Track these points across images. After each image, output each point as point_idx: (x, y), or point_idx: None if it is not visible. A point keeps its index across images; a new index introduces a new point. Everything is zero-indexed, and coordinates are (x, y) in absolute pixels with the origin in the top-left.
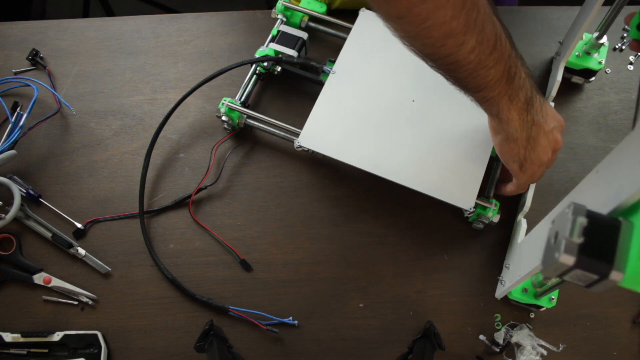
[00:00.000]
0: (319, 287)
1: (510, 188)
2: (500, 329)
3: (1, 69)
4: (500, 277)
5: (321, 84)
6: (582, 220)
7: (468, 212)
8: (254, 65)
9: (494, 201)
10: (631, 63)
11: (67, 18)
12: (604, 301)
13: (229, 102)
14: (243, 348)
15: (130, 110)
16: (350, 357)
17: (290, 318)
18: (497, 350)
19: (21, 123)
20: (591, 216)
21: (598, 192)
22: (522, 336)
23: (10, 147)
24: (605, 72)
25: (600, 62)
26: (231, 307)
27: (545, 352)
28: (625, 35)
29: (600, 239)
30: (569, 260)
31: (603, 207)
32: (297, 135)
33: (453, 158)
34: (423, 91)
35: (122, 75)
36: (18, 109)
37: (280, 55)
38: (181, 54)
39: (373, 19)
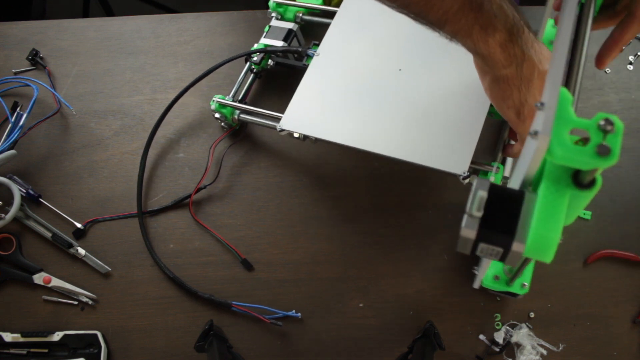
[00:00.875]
0: (319, 287)
1: (517, 148)
2: (500, 329)
3: (1, 69)
4: (474, 268)
5: (304, 68)
6: (482, 194)
7: (462, 178)
8: (248, 63)
9: (495, 164)
10: (631, 63)
11: (67, 18)
12: (604, 301)
13: (219, 98)
14: (243, 348)
15: (130, 110)
16: (350, 357)
17: (294, 311)
18: (497, 350)
19: (21, 123)
20: (494, 190)
21: (520, 169)
22: (522, 336)
23: (10, 147)
24: (605, 72)
25: None
26: (234, 302)
27: (545, 352)
28: None
29: (503, 211)
30: (470, 234)
31: (518, 182)
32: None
33: (445, 123)
34: (410, 59)
35: (122, 75)
36: (18, 109)
37: (265, 47)
38: (181, 54)
39: (359, 0)
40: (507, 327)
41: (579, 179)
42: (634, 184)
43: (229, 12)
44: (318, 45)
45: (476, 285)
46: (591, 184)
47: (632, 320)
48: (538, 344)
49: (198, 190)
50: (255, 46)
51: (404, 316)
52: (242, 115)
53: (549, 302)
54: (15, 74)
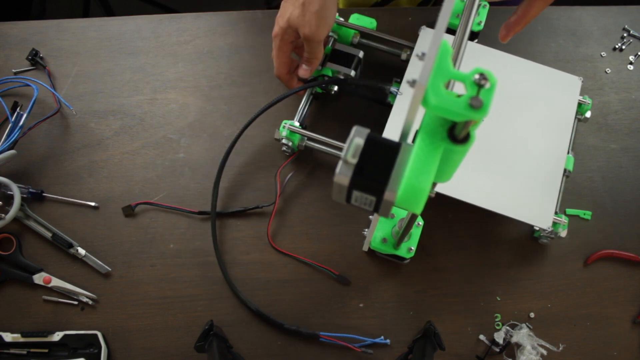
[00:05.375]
0: (319, 287)
1: None
2: (500, 329)
3: (1, 69)
4: (365, 231)
5: (388, 106)
6: (358, 142)
7: (547, 232)
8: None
9: (562, 216)
10: (631, 63)
11: (67, 18)
12: (604, 301)
13: (289, 125)
14: (243, 348)
15: (130, 110)
16: (351, 357)
17: (382, 337)
18: (497, 350)
19: (21, 123)
20: (371, 139)
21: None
22: (522, 336)
23: (10, 147)
24: (606, 72)
25: (479, 24)
26: (321, 333)
27: (545, 352)
28: (624, 35)
29: (378, 160)
30: (343, 180)
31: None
32: None
33: (527, 178)
34: (495, 111)
35: (122, 75)
36: (18, 109)
37: (342, 76)
38: (181, 54)
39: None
40: (507, 327)
41: (454, 134)
42: (634, 184)
43: (229, 12)
44: (398, 82)
45: (365, 247)
46: (465, 139)
47: (632, 320)
48: (538, 344)
49: (255, 208)
50: (318, 68)
51: (404, 316)
52: (309, 142)
53: (549, 302)
54: (15, 74)
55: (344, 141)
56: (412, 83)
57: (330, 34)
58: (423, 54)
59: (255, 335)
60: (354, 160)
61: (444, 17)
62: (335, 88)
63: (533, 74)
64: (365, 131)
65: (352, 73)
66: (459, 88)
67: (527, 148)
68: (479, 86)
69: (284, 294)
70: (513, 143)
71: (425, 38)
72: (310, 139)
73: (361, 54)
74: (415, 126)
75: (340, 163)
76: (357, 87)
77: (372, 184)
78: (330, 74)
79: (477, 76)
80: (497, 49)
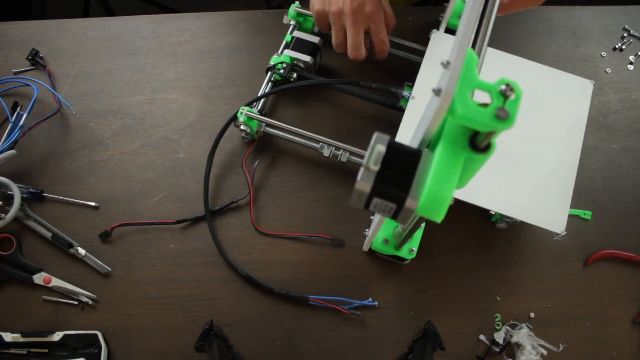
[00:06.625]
0: (319, 287)
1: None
2: (500, 329)
3: (1, 69)
4: (365, 231)
5: (399, 110)
6: (380, 148)
7: (560, 237)
8: (269, 73)
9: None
10: (631, 63)
11: (67, 18)
12: (604, 301)
13: (247, 111)
14: (243, 348)
15: (130, 110)
16: (350, 357)
17: (370, 299)
18: (497, 350)
19: (21, 123)
20: (392, 146)
21: (421, 129)
22: (522, 336)
23: (10, 147)
24: (606, 72)
25: None
26: (310, 296)
27: (545, 352)
28: (624, 35)
29: (399, 168)
30: (365, 187)
31: (417, 141)
32: (318, 142)
33: (540, 183)
34: None
35: (122, 75)
36: (18, 108)
37: (301, 64)
38: (181, 54)
39: (445, 39)
40: (507, 327)
41: (475, 143)
42: (634, 184)
43: (229, 12)
44: (411, 87)
45: (365, 247)
46: (486, 148)
47: (632, 320)
48: (538, 344)
49: (231, 202)
50: (278, 56)
51: (404, 316)
52: (267, 129)
53: (549, 302)
54: (15, 74)
55: (301, 127)
56: (438, 92)
57: (293, 22)
58: (448, 63)
59: (255, 335)
60: (376, 168)
61: (468, 24)
62: (295, 75)
63: (544, 77)
64: (386, 138)
65: (310, 59)
66: (476, 95)
67: (539, 152)
68: (505, 96)
69: None
70: (525, 147)
71: (437, 42)
72: (268, 125)
73: (319, 41)
74: (420, 131)
75: (361, 170)
76: (371, 89)
77: (394, 192)
78: (288, 61)
79: (503, 87)
80: (508, 52)
